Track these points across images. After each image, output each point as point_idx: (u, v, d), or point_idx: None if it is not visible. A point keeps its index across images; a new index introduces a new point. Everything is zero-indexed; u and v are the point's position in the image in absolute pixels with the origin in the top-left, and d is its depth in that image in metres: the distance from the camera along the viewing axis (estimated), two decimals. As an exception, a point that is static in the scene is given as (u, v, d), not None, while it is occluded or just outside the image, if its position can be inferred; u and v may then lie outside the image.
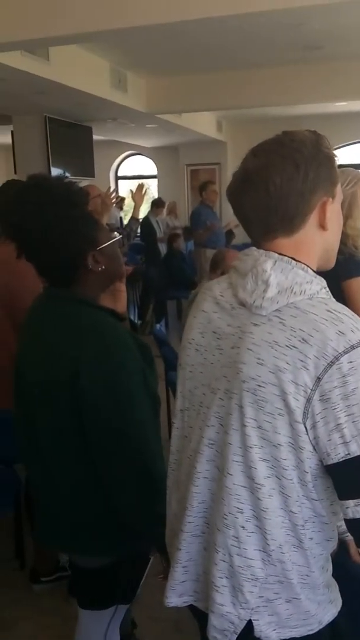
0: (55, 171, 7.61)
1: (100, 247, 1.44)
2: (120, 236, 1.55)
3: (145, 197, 3.63)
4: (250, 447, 1.06)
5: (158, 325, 5.23)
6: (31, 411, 1.47)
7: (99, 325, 1.41)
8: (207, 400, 1.16)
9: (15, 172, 7.70)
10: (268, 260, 1.09)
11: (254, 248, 1.14)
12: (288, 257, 1.09)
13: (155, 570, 1.66)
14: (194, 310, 1.24)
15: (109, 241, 1.47)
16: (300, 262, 1.09)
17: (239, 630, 1.11)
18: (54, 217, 1.36)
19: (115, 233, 1.55)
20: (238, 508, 1.09)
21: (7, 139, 8.69)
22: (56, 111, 7.50)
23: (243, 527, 1.09)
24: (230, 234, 8.04)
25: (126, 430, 1.39)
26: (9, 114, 7.76)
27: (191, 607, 1.26)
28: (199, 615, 1.24)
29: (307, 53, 6.30)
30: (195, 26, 4.19)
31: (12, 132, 8.05)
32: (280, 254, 1.10)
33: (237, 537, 1.10)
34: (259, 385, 1.04)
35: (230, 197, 1.18)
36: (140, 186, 3.36)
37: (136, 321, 7.54)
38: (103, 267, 1.45)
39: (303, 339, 1.01)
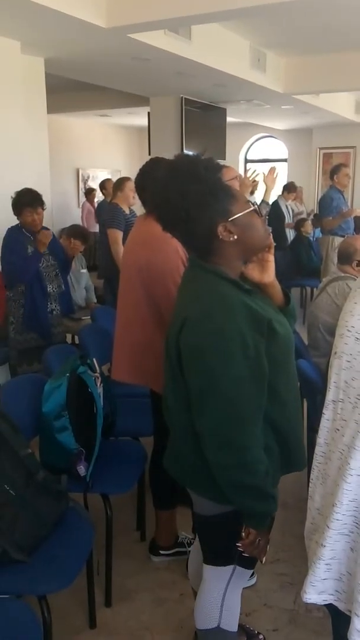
0: (187, 152, 7.66)
1: (232, 218, 1.48)
2: (254, 207, 1.54)
3: (276, 181, 3.54)
4: None
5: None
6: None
7: (211, 292, 1.49)
8: None
9: (150, 154, 7.85)
10: None
11: None
12: None
13: (271, 557, 1.66)
14: (355, 296, 1.16)
15: (241, 212, 1.50)
16: None
17: None
18: (178, 193, 1.45)
19: (252, 203, 1.55)
20: None
21: (143, 121, 8.87)
22: (193, 92, 7.52)
23: None
24: (359, 220, 7.68)
25: (214, 389, 1.44)
26: (147, 96, 7.90)
27: (329, 605, 1.21)
28: (337, 615, 1.19)
29: None
30: (336, 3, 3.98)
31: (148, 113, 8.19)
32: None
33: None
34: None
35: None
36: (272, 169, 3.30)
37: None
38: (235, 237, 1.49)
39: None
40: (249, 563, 1.74)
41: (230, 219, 1.48)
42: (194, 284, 1.55)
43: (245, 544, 1.58)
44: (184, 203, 1.45)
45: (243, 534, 1.58)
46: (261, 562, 1.66)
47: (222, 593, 1.76)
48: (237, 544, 1.59)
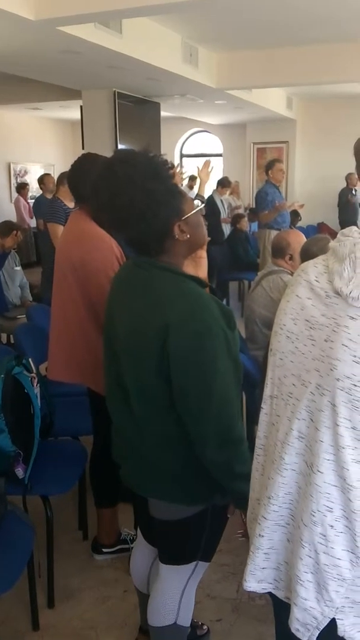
0: (122, 147, 7.61)
1: (185, 217, 1.49)
2: (203, 205, 1.57)
3: (211, 175, 3.56)
4: (343, 448, 1.02)
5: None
6: (122, 372, 1.56)
7: (184, 291, 1.47)
8: (297, 391, 1.11)
9: (83, 147, 7.75)
10: None
11: (354, 228, 1.06)
12: None
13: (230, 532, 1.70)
14: (287, 294, 1.17)
15: (192, 211, 1.51)
16: None
17: (321, 627, 1.08)
18: (142, 190, 1.42)
19: (198, 202, 1.57)
20: (327, 507, 1.05)
21: (76, 114, 8.75)
22: (125, 86, 7.48)
23: (332, 526, 1.05)
24: (295, 214, 7.84)
25: (209, 389, 1.45)
26: (79, 89, 7.79)
27: (270, 594, 1.24)
28: (277, 603, 1.22)
29: (387, 26, 6.02)
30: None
31: (81, 107, 8.08)
32: None
33: (324, 536, 1.06)
34: (355, 385, 0.99)
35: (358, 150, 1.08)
36: (207, 163, 3.31)
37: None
38: (188, 236, 1.51)
39: None
40: (209, 556, 1.77)
41: (183, 218, 1.49)
42: (159, 286, 1.50)
43: (245, 529, 1.61)
44: (148, 202, 1.42)
45: (243, 519, 1.58)
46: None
47: (181, 590, 1.77)
48: (239, 532, 1.60)
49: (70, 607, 2.41)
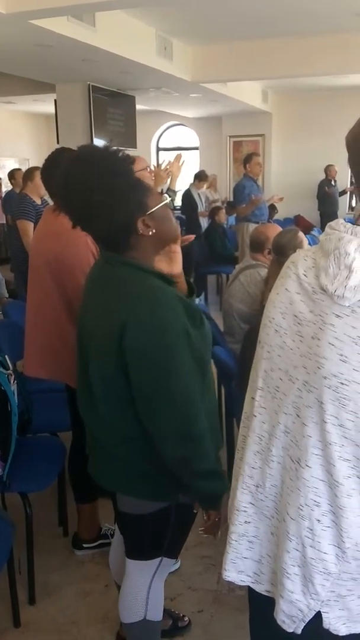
0: (97, 141, 7.57)
1: (149, 211, 1.47)
2: (170, 199, 1.54)
3: (182, 168, 3.55)
4: (330, 444, 1.02)
5: (198, 300, 5.19)
6: (87, 366, 1.56)
7: (145, 288, 1.46)
8: (284, 386, 1.11)
9: (58, 142, 7.68)
10: (353, 240, 0.98)
11: (341, 221, 1.04)
12: None
13: (194, 540, 1.70)
14: (277, 286, 1.16)
15: (157, 205, 1.49)
16: None
17: (307, 619, 1.09)
18: (98, 188, 1.41)
19: (165, 196, 1.55)
20: (315, 501, 1.06)
21: (50, 108, 8.67)
22: (100, 80, 7.42)
23: (319, 520, 1.06)
24: (272, 208, 7.86)
25: (166, 388, 1.44)
26: (53, 82, 7.72)
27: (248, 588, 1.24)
28: (255, 596, 1.22)
29: (359, 20, 6.05)
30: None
31: (55, 100, 8.01)
32: None
33: (311, 530, 1.06)
34: (342, 383, 0.99)
35: (353, 143, 1.04)
36: (178, 156, 3.30)
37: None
38: (154, 230, 1.48)
39: None
40: (174, 552, 1.77)
41: (147, 213, 1.47)
42: (121, 282, 1.50)
43: (209, 527, 1.62)
44: (106, 199, 1.41)
45: (205, 517, 1.62)
46: (216, 538, 1.69)
47: (147, 585, 1.77)
48: (201, 529, 1.62)
49: (52, 603, 2.41)
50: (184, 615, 2.29)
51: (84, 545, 2.68)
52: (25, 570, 2.38)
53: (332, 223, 1.06)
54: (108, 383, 1.51)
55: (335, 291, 1.00)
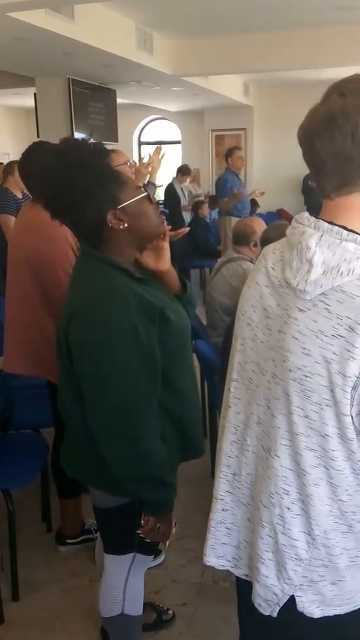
0: (78, 135, 7.52)
1: (122, 205, 1.45)
2: (146, 193, 1.52)
3: (163, 161, 3.53)
4: (297, 435, 1.04)
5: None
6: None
7: (98, 280, 1.46)
8: (256, 378, 1.13)
9: (38, 136, 7.62)
10: (314, 235, 0.99)
11: (306, 214, 1.05)
12: (339, 226, 0.98)
13: (178, 534, 1.71)
14: (249, 279, 1.18)
15: (131, 199, 1.47)
16: (354, 231, 0.97)
17: (282, 603, 1.12)
18: (67, 181, 1.41)
19: (142, 189, 1.53)
20: (284, 490, 1.08)
21: (30, 102, 8.59)
22: (80, 73, 7.37)
23: (289, 508, 1.08)
24: (254, 203, 7.87)
25: (103, 383, 1.43)
26: (32, 76, 7.64)
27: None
28: (240, 582, 1.25)
29: (340, 13, 6.06)
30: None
31: (35, 94, 7.94)
32: (331, 222, 0.99)
33: (282, 517, 1.09)
34: (305, 376, 1.01)
35: (304, 138, 1.03)
36: (158, 149, 3.28)
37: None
38: (126, 225, 1.46)
39: (350, 327, 0.95)
40: (148, 549, 1.77)
41: (119, 207, 1.45)
42: (84, 273, 1.52)
43: (146, 530, 1.60)
44: (71, 192, 1.41)
45: (142, 521, 1.59)
46: (165, 546, 1.68)
47: (123, 580, 1.78)
48: (138, 531, 1.60)
49: (36, 599, 2.41)
50: (168, 609, 2.30)
51: (68, 541, 2.68)
52: (8, 566, 2.38)
53: (297, 216, 1.07)
54: (68, 374, 1.51)
55: (297, 285, 1.01)
